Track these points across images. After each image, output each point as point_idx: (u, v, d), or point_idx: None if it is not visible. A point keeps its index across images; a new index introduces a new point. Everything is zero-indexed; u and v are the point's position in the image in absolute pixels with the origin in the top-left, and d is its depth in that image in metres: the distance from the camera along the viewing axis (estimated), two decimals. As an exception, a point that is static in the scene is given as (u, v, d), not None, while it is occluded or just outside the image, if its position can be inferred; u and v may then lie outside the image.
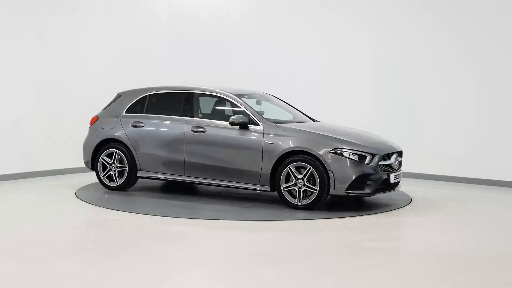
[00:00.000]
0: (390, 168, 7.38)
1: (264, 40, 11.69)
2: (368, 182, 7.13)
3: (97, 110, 10.43)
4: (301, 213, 7.12)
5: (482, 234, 6.35)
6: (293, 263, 5.10)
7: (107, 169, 8.30)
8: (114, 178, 8.26)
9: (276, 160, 7.22)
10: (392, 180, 7.38)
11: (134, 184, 8.35)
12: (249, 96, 8.31)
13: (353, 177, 7.02)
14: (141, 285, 4.48)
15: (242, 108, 7.71)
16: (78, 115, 10.16)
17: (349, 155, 7.09)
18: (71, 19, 10.05)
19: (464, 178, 9.67)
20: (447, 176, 9.84)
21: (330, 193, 7.09)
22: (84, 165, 9.76)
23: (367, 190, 7.17)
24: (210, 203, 7.45)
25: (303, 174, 7.08)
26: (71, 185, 8.77)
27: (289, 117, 8.30)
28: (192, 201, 7.70)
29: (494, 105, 9.44)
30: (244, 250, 5.51)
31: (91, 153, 8.49)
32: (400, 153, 7.71)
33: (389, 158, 7.40)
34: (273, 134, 7.37)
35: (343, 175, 7.02)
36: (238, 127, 7.52)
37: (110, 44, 10.63)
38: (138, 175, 8.16)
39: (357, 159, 7.08)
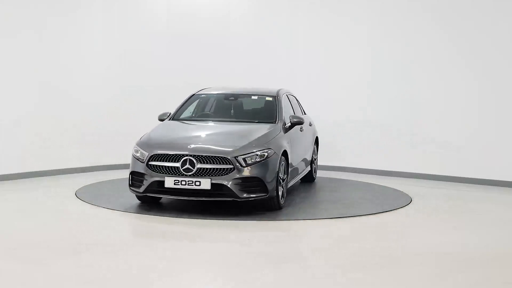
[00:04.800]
0: (176, 172, 6.72)
1: (264, 40, 11.69)
2: (143, 182, 6.90)
3: (97, 110, 10.47)
4: (301, 213, 7.13)
5: (482, 234, 6.35)
6: (293, 263, 5.10)
7: None
8: None
9: None
10: (169, 185, 6.70)
11: None
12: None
13: (129, 174, 7.13)
14: (141, 285, 4.48)
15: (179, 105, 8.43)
16: (78, 115, 10.17)
17: (134, 152, 7.15)
18: (71, 19, 10.04)
19: (464, 178, 9.67)
20: (447, 176, 9.84)
21: None
22: (85, 165, 9.84)
23: (139, 189, 6.95)
24: (210, 203, 7.44)
25: None
26: (71, 185, 8.77)
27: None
28: (192, 201, 7.68)
29: (494, 105, 9.44)
30: (244, 250, 5.51)
31: None
32: (205, 158, 6.71)
33: (177, 161, 6.74)
34: None
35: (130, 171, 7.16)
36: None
37: (110, 44, 10.63)
38: None
39: (138, 156, 7.02)
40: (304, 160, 8.72)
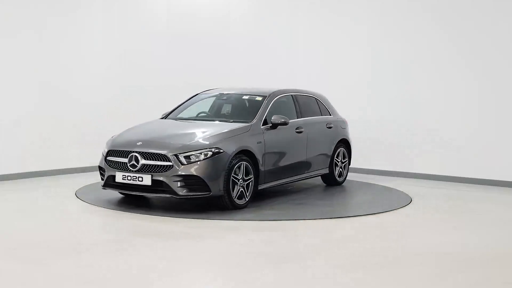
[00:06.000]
0: (125, 167, 7.05)
1: (264, 40, 11.69)
2: (104, 176, 7.36)
3: (97, 110, 10.47)
4: (301, 213, 7.13)
5: (482, 234, 6.35)
6: (293, 263, 5.10)
7: None
8: None
9: None
10: (118, 179, 7.07)
11: None
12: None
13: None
14: (141, 285, 4.48)
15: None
16: (78, 115, 10.18)
17: (104, 148, 7.55)
18: (71, 19, 10.04)
19: (464, 178, 9.67)
20: (447, 176, 9.84)
21: None
22: (85, 165, 9.81)
23: (102, 183, 7.44)
24: (210, 203, 7.44)
25: None
26: (71, 185, 8.77)
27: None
28: (192, 200, 7.68)
29: (494, 105, 9.44)
30: (244, 250, 5.51)
31: None
32: (150, 155, 6.93)
33: (126, 157, 7.08)
34: None
35: None
36: None
37: (110, 44, 10.63)
38: None
39: (103, 152, 7.46)
40: (312, 162, 8.55)
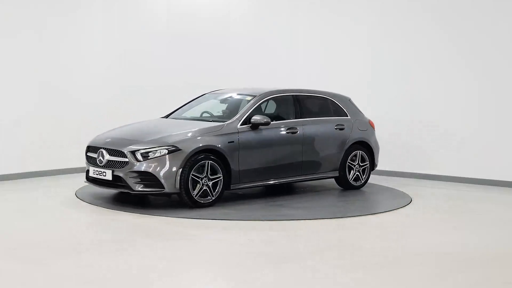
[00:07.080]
0: (96, 163, 7.42)
1: (264, 40, 11.69)
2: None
3: (97, 110, 10.46)
4: (301, 213, 7.13)
5: (482, 234, 6.35)
6: (293, 263, 5.10)
7: None
8: None
9: None
10: (91, 174, 7.49)
11: None
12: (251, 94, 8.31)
13: None
14: (141, 285, 4.48)
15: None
16: (78, 115, 10.17)
17: None
18: (71, 19, 10.04)
19: (464, 178, 9.67)
20: (447, 176, 9.84)
21: None
22: (84, 165, 9.85)
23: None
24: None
25: None
26: (71, 185, 8.77)
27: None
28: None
29: (494, 105, 9.44)
30: (244, 250, 5.51)
31: None
32: (115, 152, 7.19)
33: (95, 152, 7.45)
34: None
35: None
36: None
37: (110, 44, 10.63)
38: None
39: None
40: (313, 163, 8.36)
